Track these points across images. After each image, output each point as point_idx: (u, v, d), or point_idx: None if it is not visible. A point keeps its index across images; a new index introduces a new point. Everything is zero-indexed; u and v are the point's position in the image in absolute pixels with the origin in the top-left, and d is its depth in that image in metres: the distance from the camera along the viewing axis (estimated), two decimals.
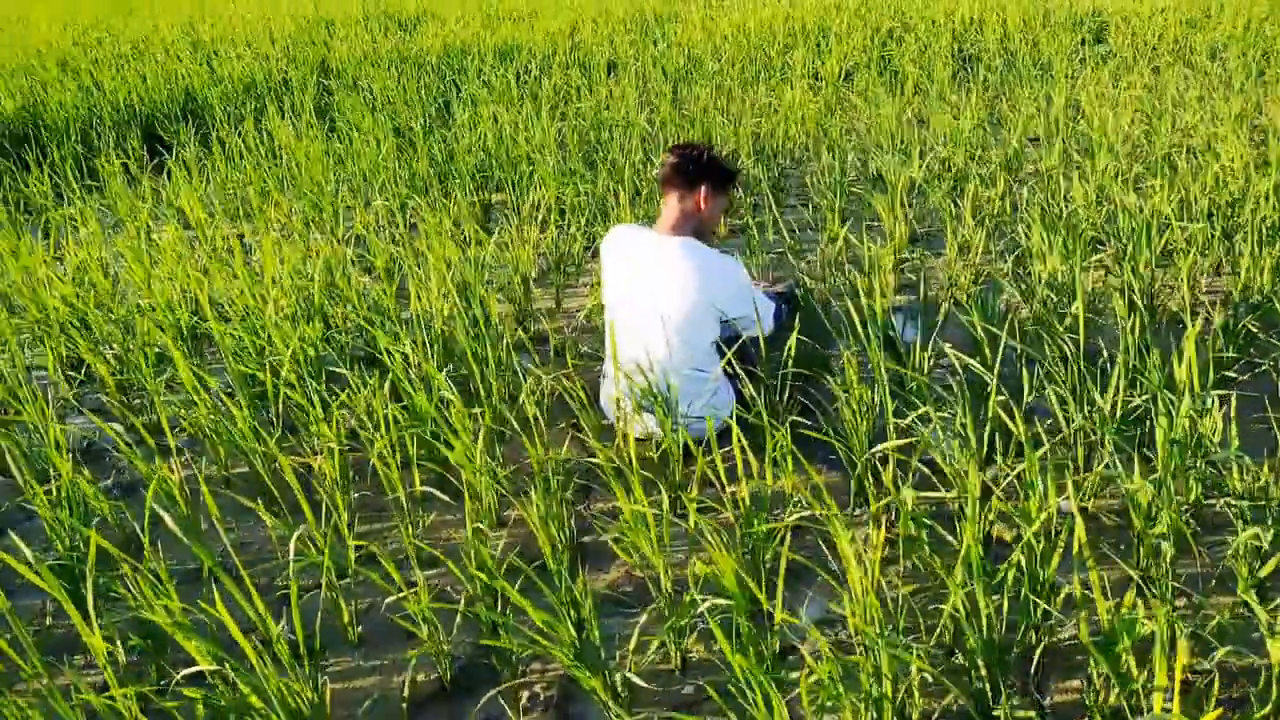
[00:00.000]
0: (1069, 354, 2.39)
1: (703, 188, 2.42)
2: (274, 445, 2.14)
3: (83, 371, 2.97)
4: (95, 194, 4.66)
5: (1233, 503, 1.93)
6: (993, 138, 4.91)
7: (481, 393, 2.43)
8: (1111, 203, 3.58)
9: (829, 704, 1.37)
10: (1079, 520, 1.51)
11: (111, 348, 2.81)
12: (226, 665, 1.43)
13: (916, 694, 1.52)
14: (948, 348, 2.43)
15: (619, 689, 1.61)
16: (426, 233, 3.50)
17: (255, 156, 4.73)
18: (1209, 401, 2.01)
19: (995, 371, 2.23)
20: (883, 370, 2.20)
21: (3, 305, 3.23)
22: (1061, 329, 2.70)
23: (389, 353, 2.44)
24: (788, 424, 2.20)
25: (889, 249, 3.43)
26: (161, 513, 1.72)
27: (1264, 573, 1.70)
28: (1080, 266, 2.80)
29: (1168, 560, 1.78)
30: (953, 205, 3.90)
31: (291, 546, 1.76)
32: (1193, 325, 2.06)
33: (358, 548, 2.04)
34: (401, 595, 1.79)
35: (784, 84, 6.30)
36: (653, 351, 2.40)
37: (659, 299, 2.37)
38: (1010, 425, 1.93)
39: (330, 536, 1.85)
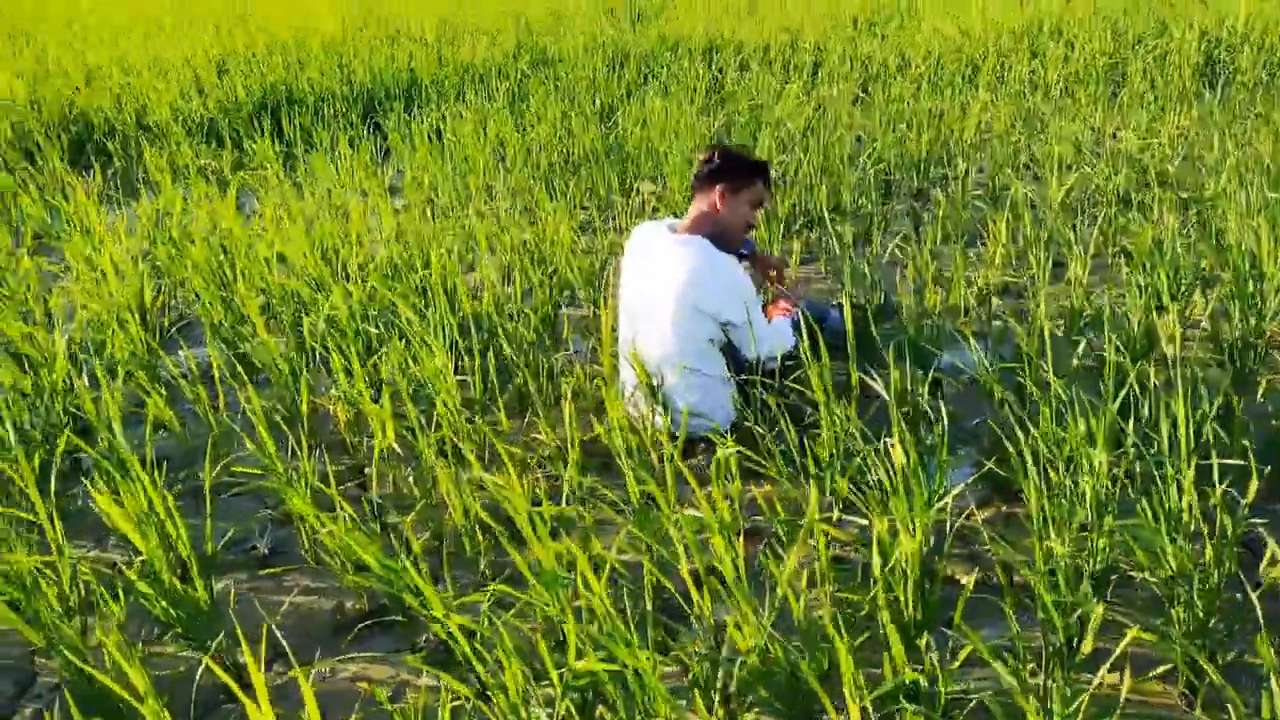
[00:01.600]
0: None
1: (718, 187, 2.48)
2: None
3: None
4: (310, 156, 5.36)
5: None
6: (1196, 163, 4.42)
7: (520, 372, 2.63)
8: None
9: None
10: None
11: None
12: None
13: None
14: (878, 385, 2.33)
15: None
16: (543, 216, 3.77)
17: (428, 134, 5.24)
18: None
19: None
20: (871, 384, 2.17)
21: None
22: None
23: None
24: (770, 435, 2.22)
25: (958, 268, 3.23)
26: None
27: None
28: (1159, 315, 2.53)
29: None
30: (1073, 233, 3.61)
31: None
32: None
33: None
34: None
35: (978, 89, 5.98)
36: (646, 345, 2.51)
37: (655, 294, 2.47)
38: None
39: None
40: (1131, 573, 1.88)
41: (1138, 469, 2.18)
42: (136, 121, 6.08)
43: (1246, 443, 2.15)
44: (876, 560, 1.64)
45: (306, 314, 2.85)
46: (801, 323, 2.64)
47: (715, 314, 2.43)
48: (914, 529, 1.69)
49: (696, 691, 1.48)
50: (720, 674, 1.55)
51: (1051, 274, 3.48)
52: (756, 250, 2.94)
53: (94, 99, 6.29)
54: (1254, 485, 1.62)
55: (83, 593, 1.84)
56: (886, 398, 2.17)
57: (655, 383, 2.51)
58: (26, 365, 2.83)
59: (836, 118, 5.36)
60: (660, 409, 2.54)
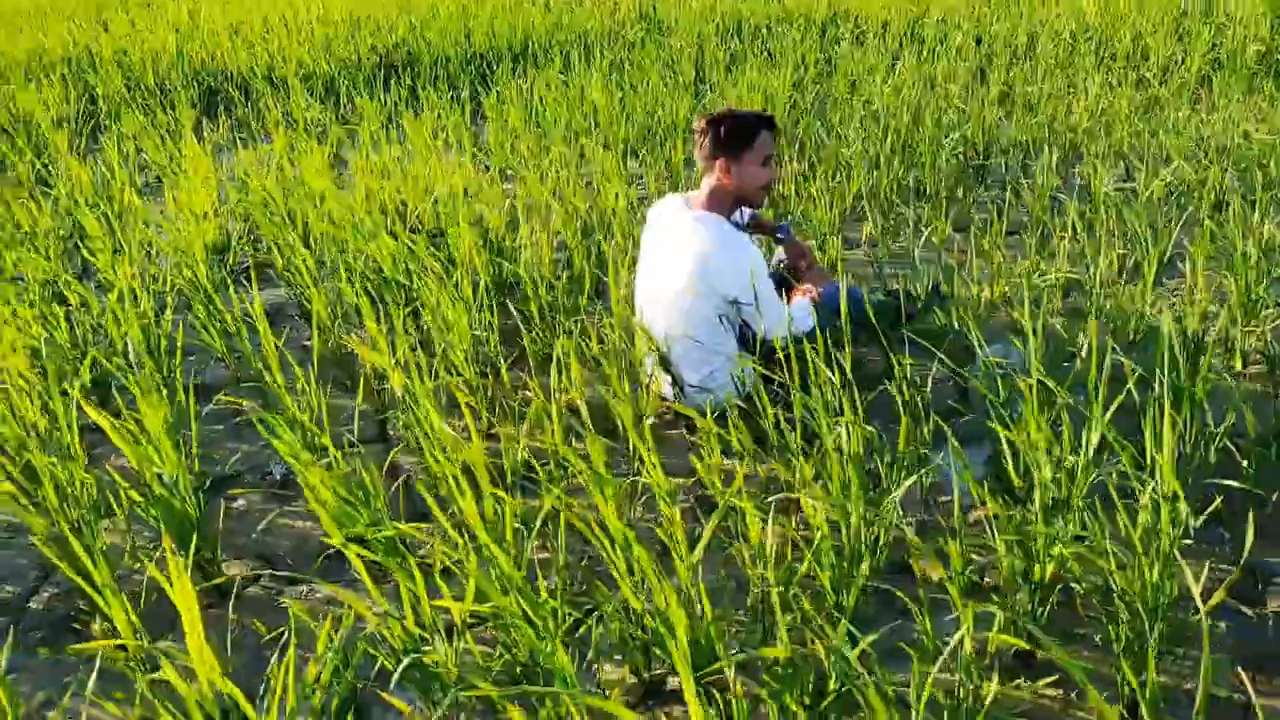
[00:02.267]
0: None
1: (719, 162, 2.46)
2: None
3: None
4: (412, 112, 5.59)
5: None
6: None
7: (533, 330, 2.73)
8: None
9: None
10: None
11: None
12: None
13: None
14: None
15: None
16: (604, 184, 3.84)
17: (522, 97, 5.37)
18: None
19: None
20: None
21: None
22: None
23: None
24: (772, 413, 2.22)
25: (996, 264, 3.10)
26: None
27: None
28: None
29: None
30: (1151, 232, 3.38)
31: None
32: None
33: None
34: None
35: (1099, 73, 5.62)
36: (655, 318, 2.54)
37: (667, 269, 2.50)
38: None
39: None
40: (1074, 585, 1.81)
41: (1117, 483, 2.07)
42: (267, 76, 6.49)
43: (1248, 464, 2.01)
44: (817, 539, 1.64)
45: (351, 263, 3.02)
46: (818, 309, 2.61)
47: (725, 292, 2.44)
48: (849, 515, 1.69)
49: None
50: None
51: (1128, 275, 3.29)
52: (791, 234, 2.92)
53: (234, 54, 6.75)
54: (1213, 509, 1.53)
55: (94, 497, 2.06)
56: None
57: (664, 352, 2.55)
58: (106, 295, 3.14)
59: (938, 98, 5.16)
60: (670, 380, 2.58)
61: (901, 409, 2.11)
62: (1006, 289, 3.14)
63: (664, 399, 2.67)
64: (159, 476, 1.90)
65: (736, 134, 2.44)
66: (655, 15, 7.92)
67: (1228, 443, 2.08)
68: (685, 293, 2.45)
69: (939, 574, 2.01)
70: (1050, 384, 1.88)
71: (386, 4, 8.73)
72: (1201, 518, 1.87)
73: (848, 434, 1.79)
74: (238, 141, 5.51)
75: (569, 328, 2.75)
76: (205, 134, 5.44)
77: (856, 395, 1.99)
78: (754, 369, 2.52)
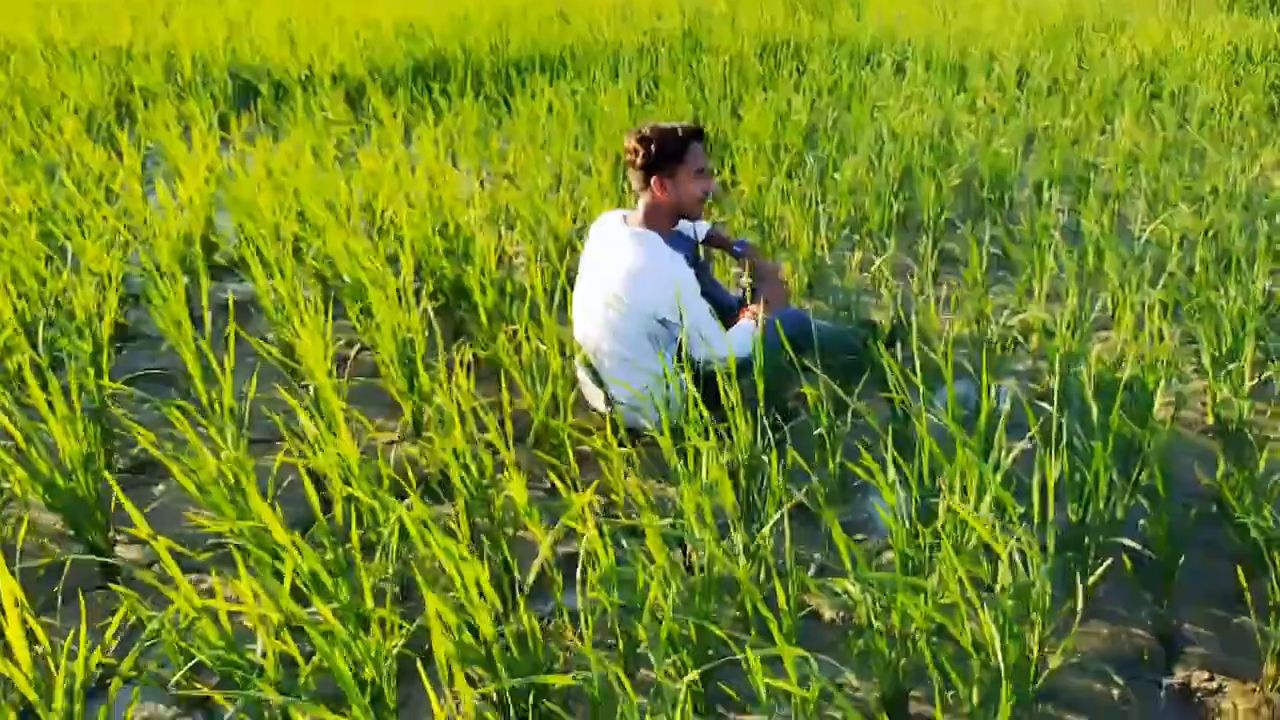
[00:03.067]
0: None
1: (653, 179, 2.43)
2: None
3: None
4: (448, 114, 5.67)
5: None
6: None
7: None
8: None
9: None
10: None
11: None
12: None
13: None
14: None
15: None
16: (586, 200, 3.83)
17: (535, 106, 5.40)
18: None
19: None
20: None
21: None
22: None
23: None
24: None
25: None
26: None
27: None
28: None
29: None
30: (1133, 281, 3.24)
31: None
32: None
33: None
34: None
35: (1124, 111, 5.44)
36: (589, 332, 2.52)
37: (598, 282, 2.47)
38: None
39: None
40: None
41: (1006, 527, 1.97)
42: (304, 76, 6.65)
43: (1148, 525, 1.89)
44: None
45: (304, 259, 3.06)
46: (761, 332, 2.55)
47: (651, 310, 2.41)
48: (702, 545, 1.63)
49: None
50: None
51: (1106, 322, 3.16)
52: (751, 251, 2.86)
53: (277, 51, 6.94)
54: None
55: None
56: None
57: (594, 366, 2.52)
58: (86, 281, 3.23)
59: (955, 128, 5.05)
60: (602, 395, 2.55)
61: (826, 442, 2.04)
62: (975, 327, 3.03)
63: (597, 411, 2.64)
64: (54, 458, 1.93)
65: (667, 149, 2.41)
66: (694, 34, 7.92)
67: (1142, 500, 1.96)
68: (616, 310, 2.42)
69: (829, 614, 1.94)
70: (957, 432, 1.79)
71: (436, 11, 8.90)
72: (1095, 575, 1.77)
73: (716, 459, 1.73)
74: (254, 137, 5.65)
75: (504, 333, 2.74)
76: (231, 128, 5.59)
77: (742, 425, 1.92)
78: (684, 392, 2.47)
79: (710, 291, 2.91)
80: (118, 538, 2.16)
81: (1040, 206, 3.71)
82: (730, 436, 2.29)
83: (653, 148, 2.41)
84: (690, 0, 9.88)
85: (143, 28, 7.79)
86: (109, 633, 1.61)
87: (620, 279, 2.41)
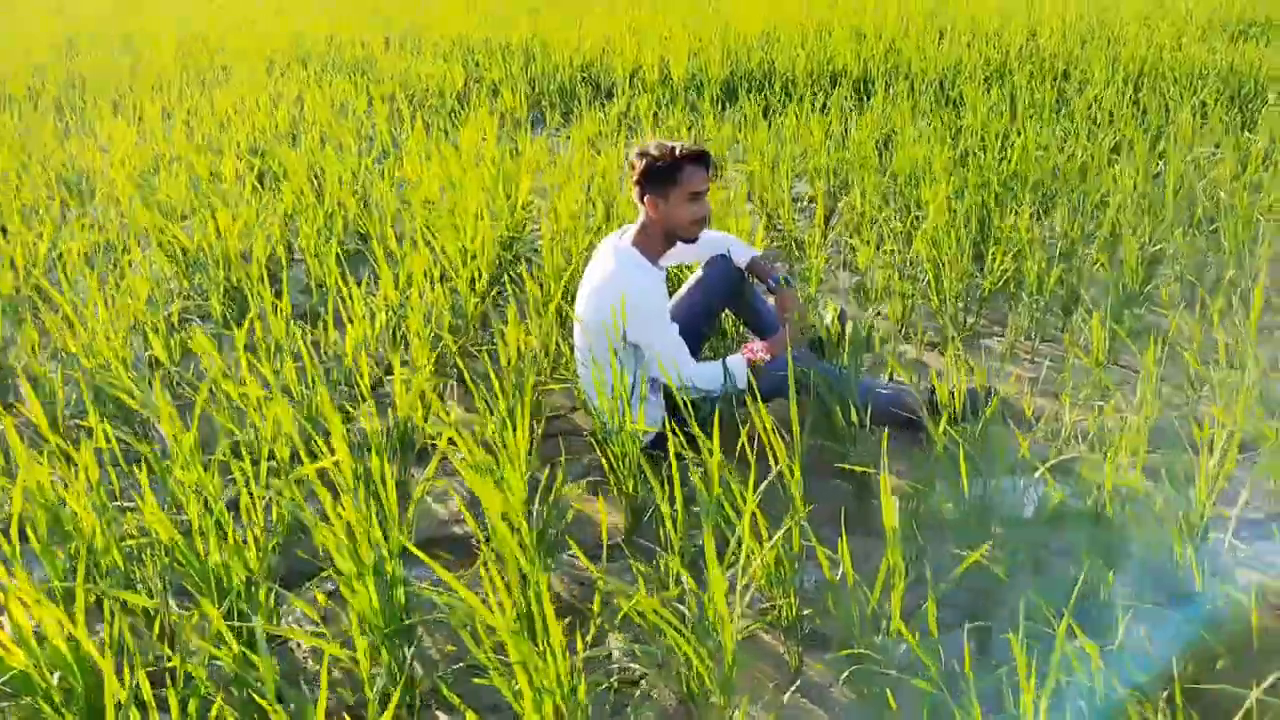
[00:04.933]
0: None
1: (646, 198, 2.39)
2: None
3: None
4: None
5: None
6: None
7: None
8: None
9: None
10: None
11: None
12: None
13: None
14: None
15: None
16: None
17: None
18: None
19: None
20: None
21: None
22: None
23: None
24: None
25: None
26: None
27: None
28: None
29: None
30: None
31: None
32: None
33: None
34: None
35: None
36: (576, 340, 2.57)
37: (582, 295, 2.52)
38: None
39: None
40: None
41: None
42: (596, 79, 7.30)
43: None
44: None
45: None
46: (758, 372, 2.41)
47: (622, 328, 2.38)
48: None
49: None
50: None
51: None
52: (784, 286, 2.68)
53: (585, 56, 7.73)
54: None
55: None
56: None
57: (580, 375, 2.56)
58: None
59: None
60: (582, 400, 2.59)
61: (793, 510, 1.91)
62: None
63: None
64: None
65: (660, 170, 2.35)
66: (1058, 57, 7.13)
67: None
68: (588, 322, 2.45)
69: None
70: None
71: (800, 19, 9.06)
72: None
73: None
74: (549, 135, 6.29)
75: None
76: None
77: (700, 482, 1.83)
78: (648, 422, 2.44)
79: (756, 308, 2.83)
80: None
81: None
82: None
83: (646, 165, 2.36)
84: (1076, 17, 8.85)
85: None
86: None
87: (594, 293, 2.43)
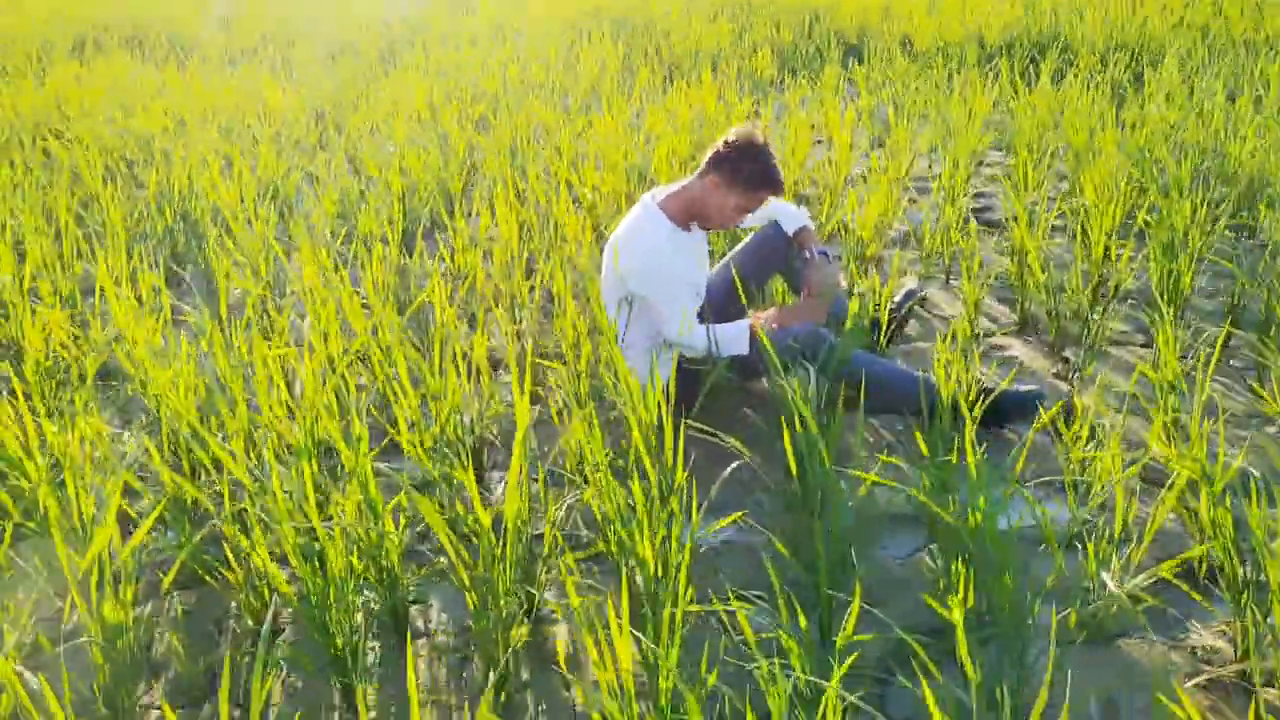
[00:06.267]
0: None
1: (713, 175, 2.39)
2: None
3: None
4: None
5: None
6: None
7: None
8: None
9: None
10: None
11: None
12: None
13: None
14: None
15: None
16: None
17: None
18: None
19: None
20: None
21: None
22: None
23: None
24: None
25: None
26: None
27: None
28: None
29: None
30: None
31: None
32: None
33: None
34: None
35: None
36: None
37: (608, 246, 2.61)
38: None
39: None
40: None
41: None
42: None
43: None
44: None
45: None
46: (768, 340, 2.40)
47: (629, 283, 2.44)
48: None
49: None
50: None
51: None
52: (814, 263, 2.58)
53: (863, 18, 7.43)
54: None
55: None
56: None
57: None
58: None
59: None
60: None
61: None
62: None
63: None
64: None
65: (749, 174, 2.36)
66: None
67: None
68: (605, 272, 2.54)
69: None
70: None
71: None
72: None
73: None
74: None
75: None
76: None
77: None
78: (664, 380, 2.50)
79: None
80: None
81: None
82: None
83: (744, 157, 2.36)
84: None
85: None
86: None
87: (610, 247, 2.52)
